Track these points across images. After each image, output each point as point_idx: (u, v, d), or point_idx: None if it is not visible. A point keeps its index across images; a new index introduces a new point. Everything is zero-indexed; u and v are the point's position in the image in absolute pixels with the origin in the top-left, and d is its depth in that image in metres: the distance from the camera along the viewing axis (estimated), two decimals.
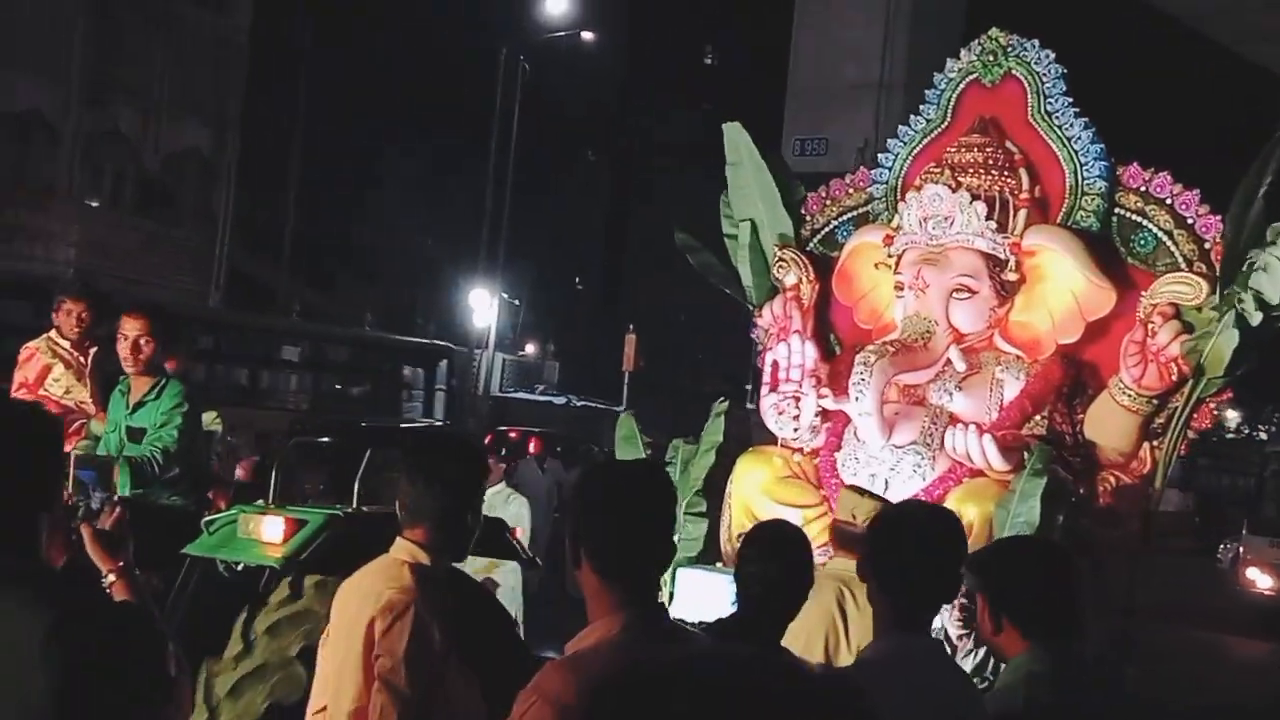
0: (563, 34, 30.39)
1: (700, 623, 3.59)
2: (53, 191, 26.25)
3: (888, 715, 2.06)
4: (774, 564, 3.40)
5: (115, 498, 2.86)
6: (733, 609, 3.52)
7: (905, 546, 2.94)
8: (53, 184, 26.36)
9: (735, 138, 6.38)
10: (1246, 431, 54.85)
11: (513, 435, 18.35)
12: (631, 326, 34.65)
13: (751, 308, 6.30)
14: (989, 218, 5.62)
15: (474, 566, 5.68)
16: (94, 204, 27.38)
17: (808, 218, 6.37)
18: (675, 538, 2.70)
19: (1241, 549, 20.62)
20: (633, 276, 38.39)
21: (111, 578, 2.67)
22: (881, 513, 3.37)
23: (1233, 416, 55.63)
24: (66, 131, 26.38)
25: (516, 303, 33.45)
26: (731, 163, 6.38)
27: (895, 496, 5.62)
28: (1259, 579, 19.15)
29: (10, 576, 2.20)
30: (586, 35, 31.21)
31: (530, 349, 34.81)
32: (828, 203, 6.36)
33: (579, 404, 30.89)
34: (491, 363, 30.20)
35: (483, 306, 30.34)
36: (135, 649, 2.23)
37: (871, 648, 2.98)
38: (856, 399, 5.49)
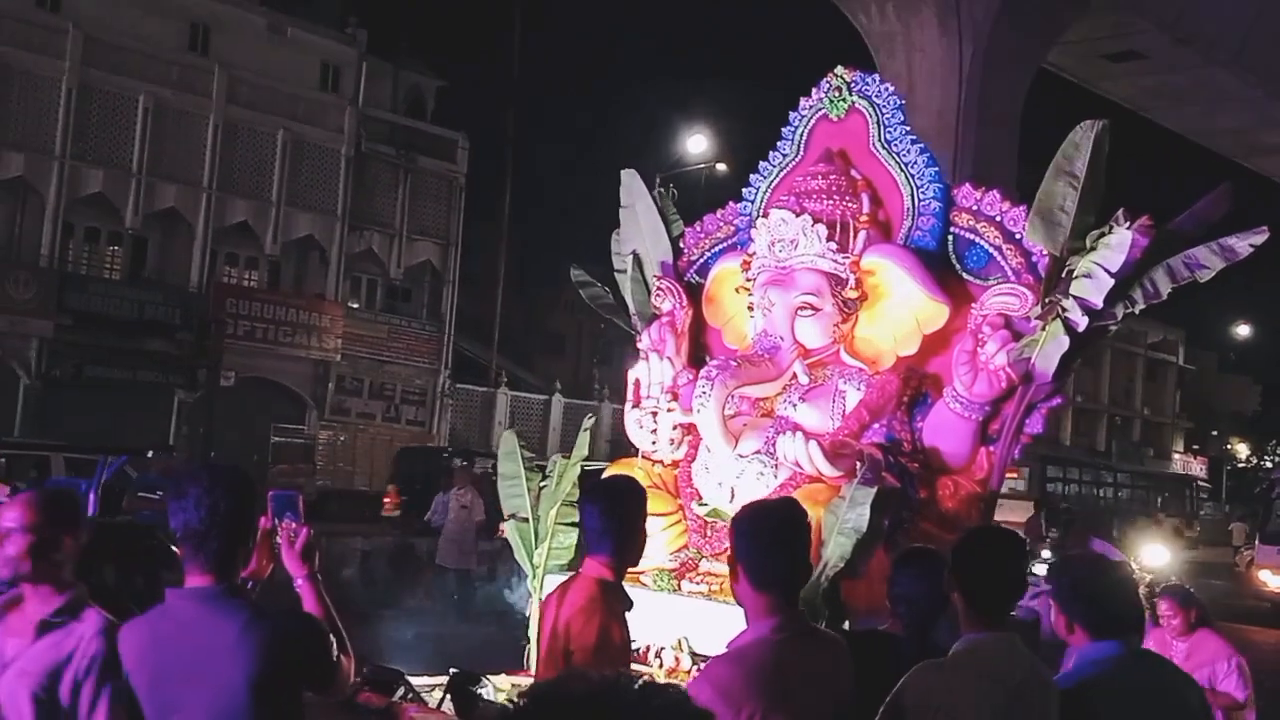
0: (702, 166, 30.13)
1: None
2: (323, 297, 27.35)
3: (970, 698, 2.62)
4: (924, 585, 3.23)
5: (303, 522, 2.81)
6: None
7: (984, 562, 2.84)
8: (323, 292, 27.49)
9: (630, 184, 5.53)
10: (1255, 461, 52.91)
11: None
12: None
13: (635, 334, 5.41)
14: (830, 239, 4.61)
15: None
16: (354, 305, 28.44)
17: (684, 250, 5.46)
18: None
19: (1255, 556, 20.06)
20: None
21: (300, 581, 2.68)
22: (965, 536, 3.16)
23: (1242, 449, 54.23)
24: (333, 251, 27.54)
25: None
26: (625, 205, 5.50)
27: (741, 503, 4.61)
28: (1270, 580, 18.73)
29: (215, 594, 2.44)
30: (720, 166, 30.77)
31: None
32: (702, 236, 5.41)
33: None
34: None
35: None
36: (304, 640, 2.43)
37: (957, 646, 2.82)
38: (698, 411, 4.51)
